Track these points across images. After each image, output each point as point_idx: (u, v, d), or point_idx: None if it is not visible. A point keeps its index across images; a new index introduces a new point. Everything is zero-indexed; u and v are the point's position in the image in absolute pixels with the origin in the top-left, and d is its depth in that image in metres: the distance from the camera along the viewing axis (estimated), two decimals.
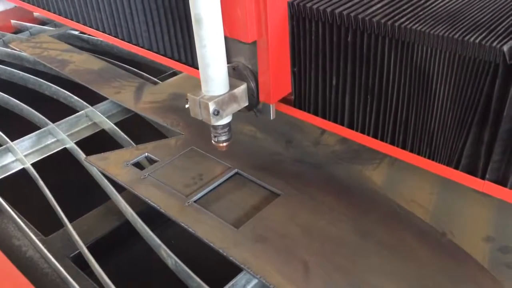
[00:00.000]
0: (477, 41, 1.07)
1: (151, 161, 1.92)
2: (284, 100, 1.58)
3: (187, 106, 1.50)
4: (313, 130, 1.98)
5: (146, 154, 1.93)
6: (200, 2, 1.28)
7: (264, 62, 1.44)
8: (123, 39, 2.08)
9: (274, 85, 1.47)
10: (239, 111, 1.53)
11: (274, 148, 1.92)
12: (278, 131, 2.00)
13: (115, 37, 2.11)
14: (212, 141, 1.69)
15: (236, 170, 1.79)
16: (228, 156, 1.83)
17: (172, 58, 1.90)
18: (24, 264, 1.58)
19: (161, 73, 2.63)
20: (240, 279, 1.46)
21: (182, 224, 1.58)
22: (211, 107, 1.41)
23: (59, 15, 2.41)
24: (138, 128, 2.19)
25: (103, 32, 2.18)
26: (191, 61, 1.80)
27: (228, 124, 1.58)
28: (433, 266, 1.39)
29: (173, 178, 1.77)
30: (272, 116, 1.58)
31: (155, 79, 2.55)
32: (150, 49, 1.97)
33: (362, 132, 1.41)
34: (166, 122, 2.12)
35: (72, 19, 2.34)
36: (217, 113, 1.43)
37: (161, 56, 1.94)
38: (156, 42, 1.90)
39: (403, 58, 1.21)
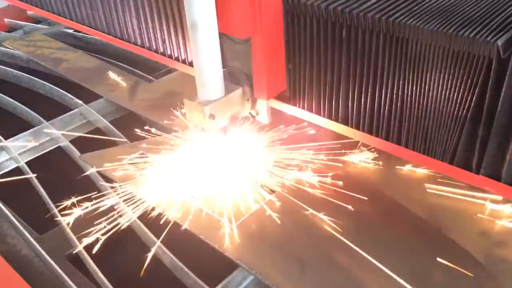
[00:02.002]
0: (471, 35, 1.08)
1: (147, 158, 1.91)
2: (280, 98, 1.58)
3: (183, 110, 1.49)
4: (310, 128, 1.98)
5: (141, 152, 1.92)
6: (195, 9, 1.29)
7: (259, 59, 1.44)
8: (116, 37, 2.07)
9: (269, 82, 1.48)
10: (234, 114, 1.55)
11: (271, 145, 1.91)
12: (277, 129, 2.00)
13: (108, 34, 2.11)
14: None
15: (234, 168, 1.78)
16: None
17: (165, 55, 1.90)
18: (19, 262, 1.57)
19: (155, 71, 2.62)
20: (236, 275, 1.46)
21: (178, 221, 1.58)
22: (207, 111, 1.41)
23: (53, 13, 2.40)
24: (133, 126, 2.18)
25: (96, 29, 2.18)
26: (186, 58, 1.80)
27: (224, 128, 1.58)
28: (429, 262, 1.39)
29: (169, 176, 1.77)
30: (267, 120, 1.59)
31: (150, 77, 2.54)
32: (144, 46, 1.96)
33: (357, 128, 1.41)
34: (161, 120, 2.11)
35: (65, 17, 2.34)
36: (213, 117, 1.43)
37: (156, 54, 1.94)
38: (150, 40, 1.90)
39: (397, 53, 1.21)
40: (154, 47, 1.91)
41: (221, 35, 1.40)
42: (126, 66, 2.66)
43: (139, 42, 1.97)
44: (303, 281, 1.37)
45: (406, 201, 1.60)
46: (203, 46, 1.34)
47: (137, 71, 2.61)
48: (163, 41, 1.83)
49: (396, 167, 1.74)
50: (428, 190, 1.63)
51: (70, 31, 3.14)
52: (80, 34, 3.08)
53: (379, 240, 1.48)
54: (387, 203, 1.61)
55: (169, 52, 1.86)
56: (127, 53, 2.79)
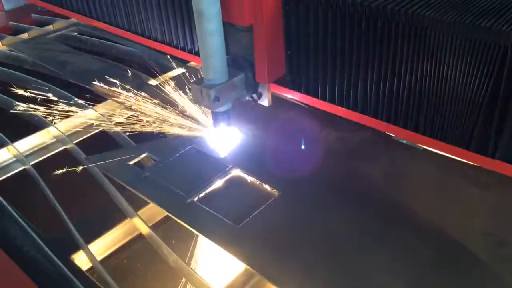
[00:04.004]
0: (487, 25, 1.10)
1: (151, 160, 1.93)
2: (282, 83, 1.64)
3: (189, 94, 1.53)
4: (312, 127, 1.99)
5: (146, 153, 1.94)
6: None
7: (260, 44, 1.51)
8: (136, 33, 2.12)
9: (270, 66, 1.55)
10: (237, 99, 1.63)
11: (273, 145, 1.92)
12: (277, 129, 2.01)
13: (128, 31, 2.16)
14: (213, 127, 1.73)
15: (235, 168, 1.79)
16: (228, 154, 1.84)
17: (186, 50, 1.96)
18: (27, 264, 1.58)
19: (159, 74, 2.63)
20: (240, 276, 1.47)
21: (183, 222, 1.59)
22: (212, 94, 1.49)
23: (72, 11, 2.45)
24: (138, 127, 2.19)
25: (116, 26, 2.22)
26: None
27: (228, 111, 1.64)
28: (432, 262, 1.39)
29: (174, 177, 1.77)
30: (268, 103, 1.67)
31: (153, 80, 2.55)
32: (164, 42, 2.02)
33: (375, 117, 1.45)
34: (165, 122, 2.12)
35: (85, 15, 2.38)
36: (217, 100, 1.51)
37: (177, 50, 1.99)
38: (172, 35, 1.95)
39: (415, 44, 1.24)
40: (175, 42, 1.99)
41: (225, 23, 1.47)
42: (130, 69, 2.67)
43: (159, 38, 2.05)
44: (307, 281, 1.37)
45: (408, 198, 1.61)
46: (208, 33, 1.42)
47: (141, 73, 2.62)
48: (182, 35, 1.91)
49: (399, 166, 1.75)
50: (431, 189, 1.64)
51: (75, 34, 3.16)
52: (84, 37, 3.10)
53: (381, 239, 1.48)
54: (389, 201, 1.62)
55: (182, 45, 1.95)
56: (131, 56, 2.82)
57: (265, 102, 1.66)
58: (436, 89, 1.26)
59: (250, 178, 1.76)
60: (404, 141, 1.83)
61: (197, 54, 1.83)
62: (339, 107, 1.53)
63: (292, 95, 1.67)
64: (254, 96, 1.65)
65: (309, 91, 1.59)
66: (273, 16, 1.46)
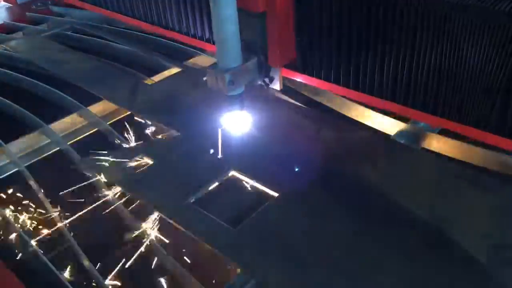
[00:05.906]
0: (506, 9, 1.13)
1: (147, 161, 1.91)
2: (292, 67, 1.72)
3: (205, 78, 1.67)
4: (310, 128, 1.97)
5: (142, 154, 1.92)
6: None
7: (272, 29, 1.60)
8: (153, 23, 2.24)
9: (281, 51, 1.65)
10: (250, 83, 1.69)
11: (272, 147, 1.90)
12: (276, 130, 1.99)
13: (145, 21, 2.18)
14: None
15: (233, 170, 1.78)
16: (226, 156, 1.82)
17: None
18: (22, 267, 1.57)
19: (155, 73, 2.61)
20: (238, 279, 1.45)
21: (180, 225, 1.58)
22: (227, 77, 1.56)
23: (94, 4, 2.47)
24: (133, 128, 2.18)
25: (133, 17, 2.25)
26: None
27: (241, 95, 1.68)
28: (431, 264, 1.39)
29: (169, 179, 1.77)
30: (279, 87, 1.75)
31: (150, 79, 2.53)
32: (181, 31, 2.06)
33: (393, 100, 1.47)
34: (161, 122, 2.10)
35: (101, 7, 2.41)
36: (232, 83, 1.57)
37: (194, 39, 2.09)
38: (190, 24, 1.99)
39: (435, 29, 1.27)
40: (192, 32, 2.04)
41: (239, 9, 1.51)
42: (126, 68, 2.65)
43: (177, 28, 2.09)
44: (305, 284, 1.36)
45: (407, 199, 1.60)
46: (223, 18, 1.48)
47: (137, 72, 2.60)
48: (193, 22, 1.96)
49: (398, 168, 1.74)
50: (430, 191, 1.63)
51: (69, 33, 3.13)
52: (79, 35, 3.08)
53: (379, 240, 1.47)
54: (387, 202, 1.61)
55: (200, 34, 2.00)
56: (126, 55, 2.80)
57: (276, 86, 1.73)
58: (455, 72, 1.29)
59: (247, 180, 1.74)
60: (402, 141, 1.82)
61: (208, 41, 1.97)
62: (354, 91, 1.55)
63: (302, 79, 1.70)
64: (266, 80, 1.69)
65: (321, 75, 1.61)
66: (285, 1, 1.52)
